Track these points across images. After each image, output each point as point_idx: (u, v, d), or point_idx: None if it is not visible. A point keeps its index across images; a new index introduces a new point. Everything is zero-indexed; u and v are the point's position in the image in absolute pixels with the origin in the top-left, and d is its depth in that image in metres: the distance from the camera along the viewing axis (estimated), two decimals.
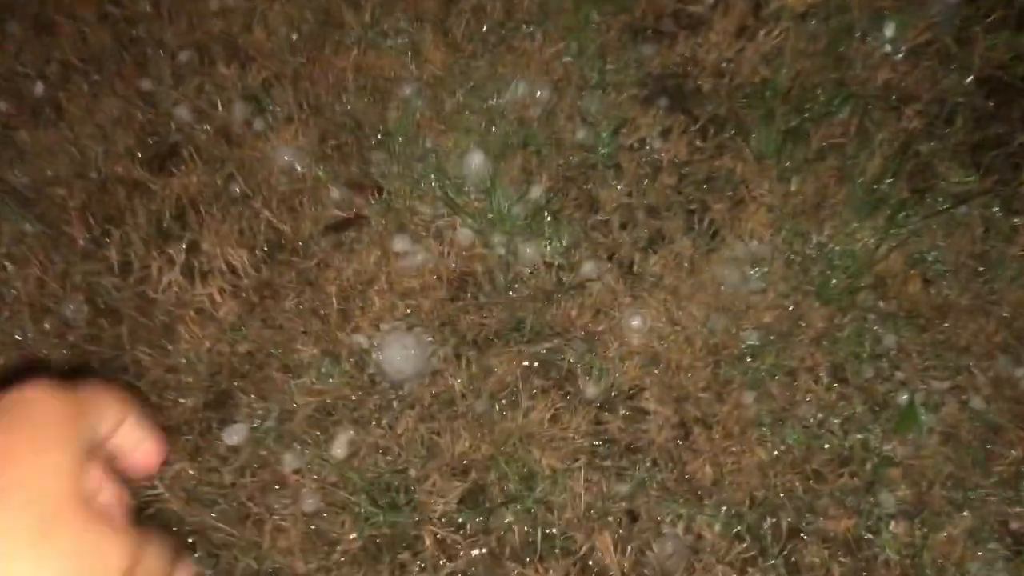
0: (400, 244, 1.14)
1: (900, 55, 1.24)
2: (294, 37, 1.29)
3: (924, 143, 1.19)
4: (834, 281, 1.10)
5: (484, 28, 1.27)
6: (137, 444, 0.45)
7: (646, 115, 1.22)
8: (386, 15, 1.28)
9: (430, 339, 1.10)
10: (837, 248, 1.12)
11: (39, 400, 0.41)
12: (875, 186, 1.15)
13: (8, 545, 0.35)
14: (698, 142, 1.21)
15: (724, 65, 1.26)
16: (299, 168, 1.20)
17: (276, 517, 1.03)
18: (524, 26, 1.26)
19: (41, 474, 0.38)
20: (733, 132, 1.21)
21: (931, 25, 1.24)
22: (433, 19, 1.28)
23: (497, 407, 1.05)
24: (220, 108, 1.26)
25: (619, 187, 1.17)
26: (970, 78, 1.23)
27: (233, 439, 1.06)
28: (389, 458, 1.05)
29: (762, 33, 1.25)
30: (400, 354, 1.03)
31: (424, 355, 1.02)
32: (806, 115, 1.20)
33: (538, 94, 1.21)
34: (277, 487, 1.05)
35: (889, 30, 1.24)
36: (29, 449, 0.38)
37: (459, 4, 1.29)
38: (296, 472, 1.05)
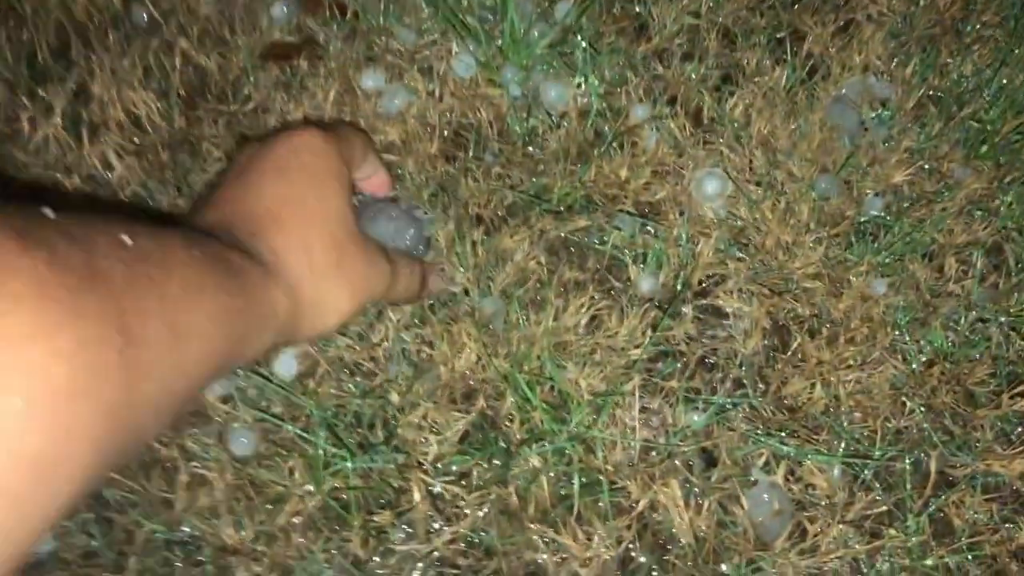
0: (371, 80, 0.80)
1: None
2: None
3: None
4: (989, 127, 0.78)
5: None
6: (372, 175, 0.63)
7: None
8: None
9: (418, 211, 0.77)
10: (989, 83, 0.79)
11: (323, 151, 0.52)
12: None
13: (315, 272, 0.47)
14: None
15: None
16: None
17: (195, 464, 0.71)
18: None
19: (330, 218, 0.49)
20: None
21: None
22: None
23: (514, 307, 0.73)
24: None
25: (679, 4, 0.83)
26: None
27: None
28: (360, 378, 0.73)
29: None
30: (374, 230, 0.69)
31: (408, 232, 0.69)
32: None
33: None
34: (196, 422, 0.72)
35: None
36: (320, 197, 0.50)
37: None
38: (224, 400, 0.72)
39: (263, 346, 0.43)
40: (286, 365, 0.72)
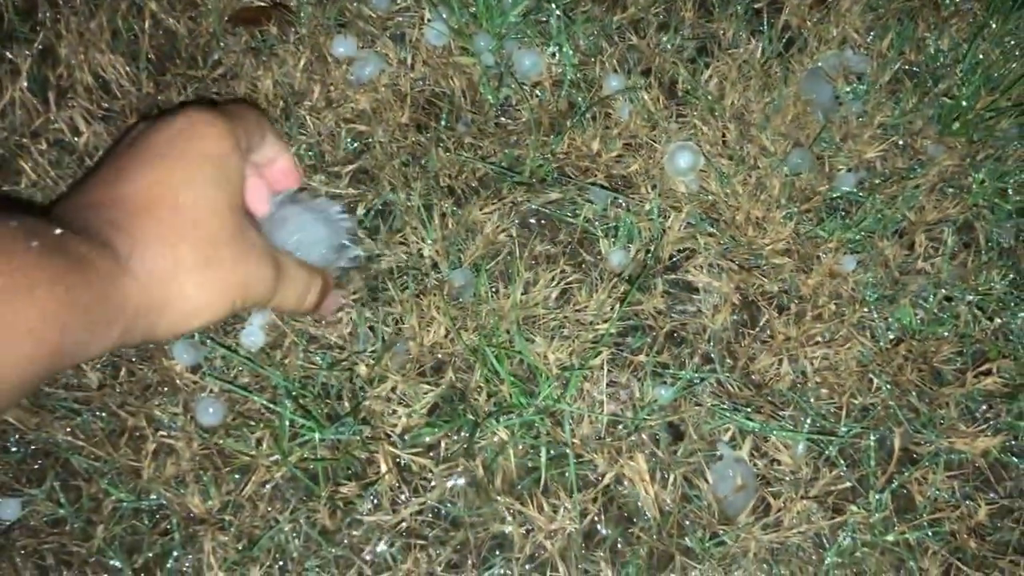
0: (342, 47, 0.79)
1: None
2: None
3: None
4: (964, 103, 0.77)
5: None
6: (273, 161, 0.56)
7: None
8: None
9: (387, 182, 0.76)
10: (965, 58, 0.79)
11: (211, 137, 0.47)
12: None
13: (180, 270, 0.43)
14: None
15: None
16: None
17: (163, 434, 0.71)
18: None
19: (206, 213, 0.45)
20: None
21: None
22: None
23: (483, 280, 0.73)
24: None
25: None
26: None
27: None
28: (328, 350, 0.72)
29: None
30: (280, 236, 0.65)
31: (317, 242, 0.64)
32: None
33: None
34: (164, 391, 0.72)
35: None
36: (199, 188, 0.46)
37: None
38: (192, 370, 0.72)
39: (109, 343, 0.41)
40: (253, 336, 0.72)
